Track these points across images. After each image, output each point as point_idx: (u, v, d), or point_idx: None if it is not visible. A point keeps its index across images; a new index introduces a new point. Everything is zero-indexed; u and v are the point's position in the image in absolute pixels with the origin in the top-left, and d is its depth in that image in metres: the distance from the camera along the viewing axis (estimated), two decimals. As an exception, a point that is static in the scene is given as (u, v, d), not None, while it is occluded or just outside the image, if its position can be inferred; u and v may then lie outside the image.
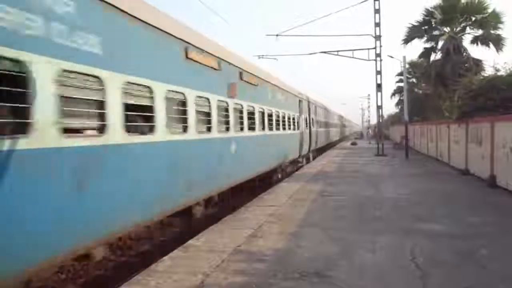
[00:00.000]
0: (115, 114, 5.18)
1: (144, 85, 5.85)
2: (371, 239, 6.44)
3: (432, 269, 4.99)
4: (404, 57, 24.92)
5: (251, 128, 11.14)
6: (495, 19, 22.04)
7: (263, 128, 12.53)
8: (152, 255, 6.70)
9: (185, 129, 7.14)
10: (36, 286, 5.31)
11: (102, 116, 5.00)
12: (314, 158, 23.58)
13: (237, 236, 6.83)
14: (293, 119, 17.71)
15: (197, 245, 6.42)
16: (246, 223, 7.76)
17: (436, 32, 24.48)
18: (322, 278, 4.83)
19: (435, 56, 25.02)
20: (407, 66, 26.86)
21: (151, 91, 5.98)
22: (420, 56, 26.43)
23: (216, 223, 7.90)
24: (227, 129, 9.24)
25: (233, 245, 6.27)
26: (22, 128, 3.90)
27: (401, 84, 33.05)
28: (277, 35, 23.69)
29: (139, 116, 5.85)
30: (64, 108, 4.38)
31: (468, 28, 23.52)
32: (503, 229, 6.94)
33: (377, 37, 23.17)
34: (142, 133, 5.95)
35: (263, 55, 25.94)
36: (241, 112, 10.36)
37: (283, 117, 15.57)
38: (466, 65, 22.45)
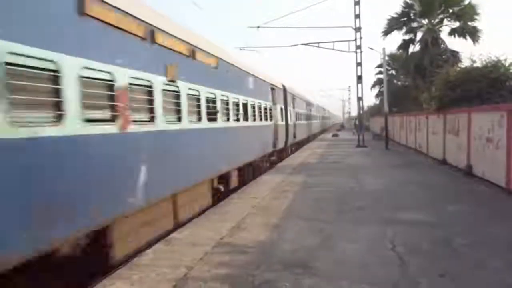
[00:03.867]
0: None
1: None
2: (353, 229, 6.55)
3: (411, 258, 5.12)
4: (384, 49, 25.23)
5: None
6: (471, 11, 22.43)
7: None
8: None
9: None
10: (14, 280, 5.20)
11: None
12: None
13: (220, 228, 6.84)
14: None
15: (180, 238, 6.41)
16: (229, 216, 7.77)
17: (414, 24, 24.79)
18: (305, 269, 4.89)
19: (414, 48, 25.37)
20: (386, 58, 27.16)
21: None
22: (399, 48, 26.75)
23: (199, 216, 7.90)
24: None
25: (216, 238, 6.28)
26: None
27: (381, 76, 33.45)
28: (258, 27, 23.59)
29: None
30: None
31: (445, 20, 23.90)
32: (479, 217, 7.15)
33: (357, 29, 23.32)
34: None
35: (244, 47, 25.80)
36: None
37: None
38: (443, 56, 22.82)
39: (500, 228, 6.42)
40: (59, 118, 4.31)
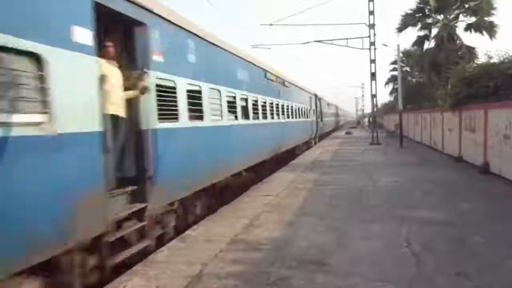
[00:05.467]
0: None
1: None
2: (367, 227, 6.52)
3: (426, 256, 5.08)
4: (398, 46, 24.95)
5: None
6: (488, 5, 22.00)
7: None
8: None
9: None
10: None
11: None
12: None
13: (234, 225, 6.88)
14: None
15: (194, 235, 6.47)
16: (243, 213, 7.82)
17: (429, 20, 24.43)
18: (319, 266, 4.90)
19: (429, 44, 24.98)
20: (401, 54, 26.86)
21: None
22: (413, 44, 26.40)
23: (214, 213, 7.96)
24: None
25: (230, 235, 6.32)
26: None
27: (395, 73, 33.10)
28: (270, 24, 23.60)
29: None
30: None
31: (461, 15, 23.48)
32: (495, 216, 7.05)
33: (371, 26, 23.11)
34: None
35: (257, 45, 25.86)
36: None
37: None
38: (459, 52, 22.46)
39: (517, 226, 6.33)
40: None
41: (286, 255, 5.30)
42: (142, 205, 5.50)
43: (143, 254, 5.54)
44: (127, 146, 5.63)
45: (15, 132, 3.54)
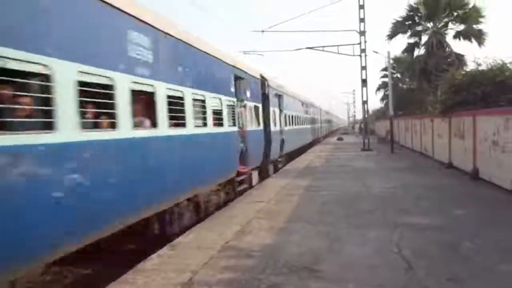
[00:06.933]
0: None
1: None
2: (358, 233, 6.52)
3: (418, 262, 5.07)
4: (389, 53, 25.20)
5: None
6: (476, 13, 22.33)
7: None
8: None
9: None
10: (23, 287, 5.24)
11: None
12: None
13: (225, 232, 6.83)
14: None
15: (185, 242, 6.41)
16: (235, 219, 7.77)
17: (419, 28, 24.69)
18: (311, 272, 4.87)
19: (419, 51, 25.22)
20: (391, 61, 27.10)
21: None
22: (404, 52, 26.67)
23: (205, 220, 7.90)
24: None
25: (221, 242, 6.27)
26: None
27: (386, 79, 33.39)
28: (262, 31, 23.68)
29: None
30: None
31: (450, 23, 23.79)
32: (486, 221, 7.08)
33: (362, 33, 23.34)
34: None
35: (249, 51, 25.94)
36: None
37: None
38: (449, 60, 22.72)
39: (507, 232, 6.36)
40: None
41: (277, 262, 5.25)
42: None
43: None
44: None
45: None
